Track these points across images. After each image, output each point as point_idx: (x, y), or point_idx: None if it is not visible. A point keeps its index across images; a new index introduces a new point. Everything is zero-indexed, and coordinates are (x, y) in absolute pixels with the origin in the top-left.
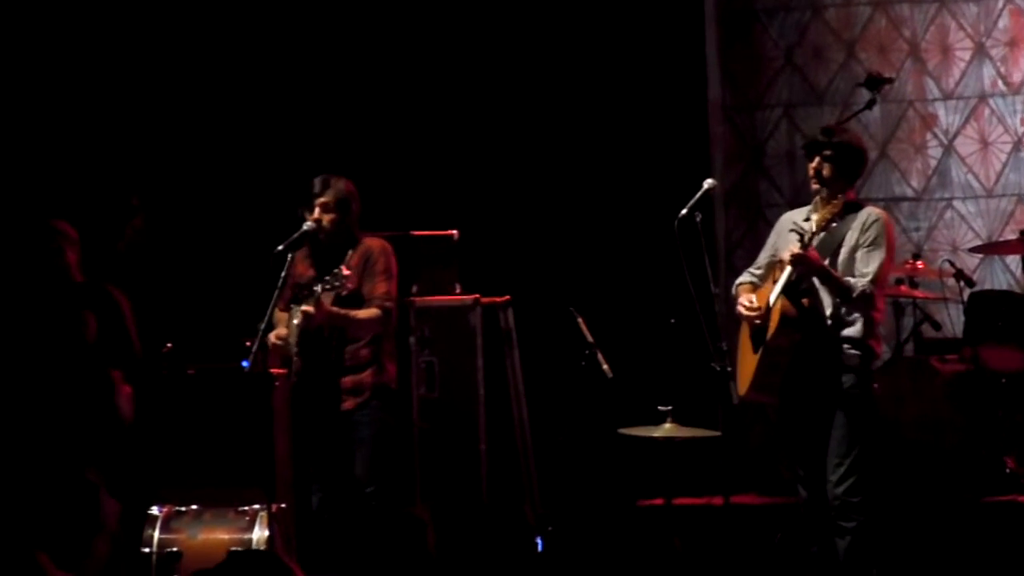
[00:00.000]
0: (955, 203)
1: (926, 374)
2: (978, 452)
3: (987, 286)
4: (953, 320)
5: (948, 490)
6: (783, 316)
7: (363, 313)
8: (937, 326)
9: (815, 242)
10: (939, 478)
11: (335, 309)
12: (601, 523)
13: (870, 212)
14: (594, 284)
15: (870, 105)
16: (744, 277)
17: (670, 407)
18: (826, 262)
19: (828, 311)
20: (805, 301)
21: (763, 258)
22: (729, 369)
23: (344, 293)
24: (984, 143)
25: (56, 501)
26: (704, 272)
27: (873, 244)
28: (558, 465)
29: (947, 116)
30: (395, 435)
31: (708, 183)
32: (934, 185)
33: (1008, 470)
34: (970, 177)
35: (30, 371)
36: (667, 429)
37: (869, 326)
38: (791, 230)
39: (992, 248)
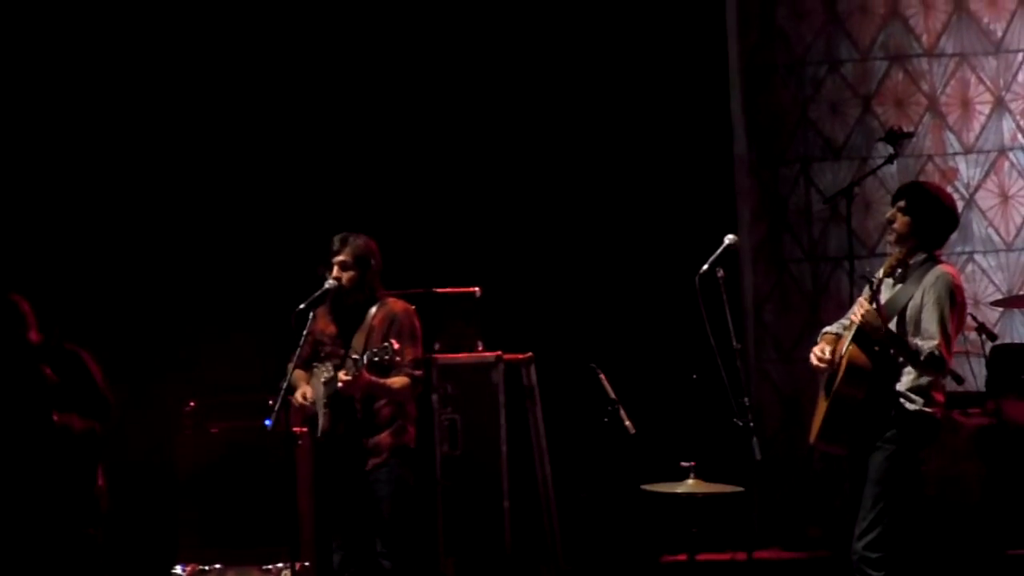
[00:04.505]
0: (976, 256)
1: (949, 428)
2: (1001, 506)
3: (1008, 339)
4: (976, 374)
5: (971, 543)
6: (851, 365)
7: (396, 383)
8: (960, 380)
9: (883, 291)
10: (962, 532)
11: (374, 379)
12: None
13: (935, 271)
14: (616, 340)
15: (891, 159)
16: (831, 328)
17: (693, 463)
18: (893, 320)
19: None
20: (876, 348)
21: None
22: (752, 424)
23: (388, 365)
24: (1004, 196)
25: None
26: (727, 328)
27: (936, 303)
28: (581, 521)
29: (968, 170)
30: (414, 494)
31: (729, 239)
32: (954, 239)
33: None
34: (991, 231)
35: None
36: (690, 485)
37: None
38: (861, 276)
39: (1013, 302)
